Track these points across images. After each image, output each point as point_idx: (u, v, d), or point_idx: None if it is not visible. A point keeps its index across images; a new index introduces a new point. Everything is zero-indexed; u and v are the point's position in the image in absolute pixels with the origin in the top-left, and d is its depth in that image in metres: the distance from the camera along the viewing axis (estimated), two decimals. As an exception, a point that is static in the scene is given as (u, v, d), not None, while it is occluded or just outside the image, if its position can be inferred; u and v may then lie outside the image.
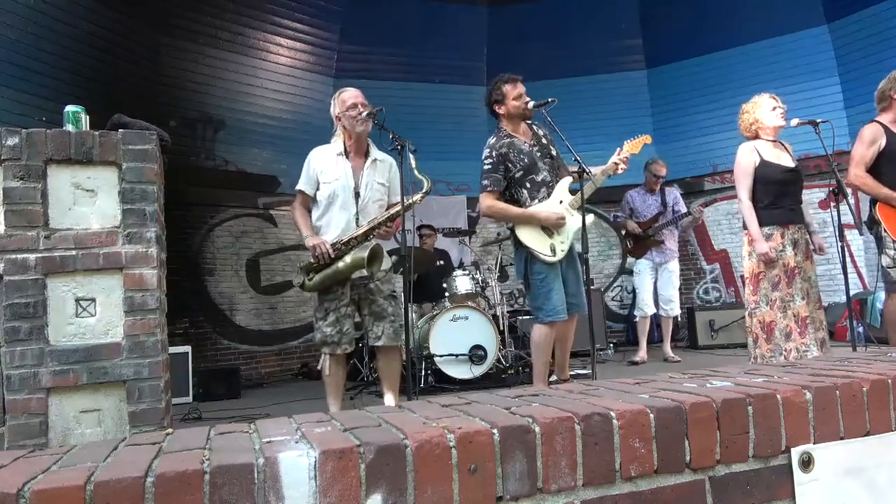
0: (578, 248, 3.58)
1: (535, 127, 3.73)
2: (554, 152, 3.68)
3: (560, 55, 8.18)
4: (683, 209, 5.93)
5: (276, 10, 7.29)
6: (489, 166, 3.52)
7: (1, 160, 2.24)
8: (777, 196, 3.59)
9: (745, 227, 3.69)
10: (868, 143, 3.62)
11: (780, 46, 7.64)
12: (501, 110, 3.61)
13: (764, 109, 3.68)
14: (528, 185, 3.54)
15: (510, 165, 3.52)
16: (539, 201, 3.53)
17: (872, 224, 3.61)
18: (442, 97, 8.26)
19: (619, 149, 3.64)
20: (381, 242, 3.32)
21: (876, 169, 3.62)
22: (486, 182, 3.53)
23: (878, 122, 3.67)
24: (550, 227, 3.47)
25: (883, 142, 3.59)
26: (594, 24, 8.17)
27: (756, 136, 3.73)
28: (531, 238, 3.48)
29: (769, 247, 3.52)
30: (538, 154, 3.58)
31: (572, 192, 3.57)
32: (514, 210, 3.53)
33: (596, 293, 6.64)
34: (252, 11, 7.11)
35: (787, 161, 3.67)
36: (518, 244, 3.55)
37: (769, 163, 3.61)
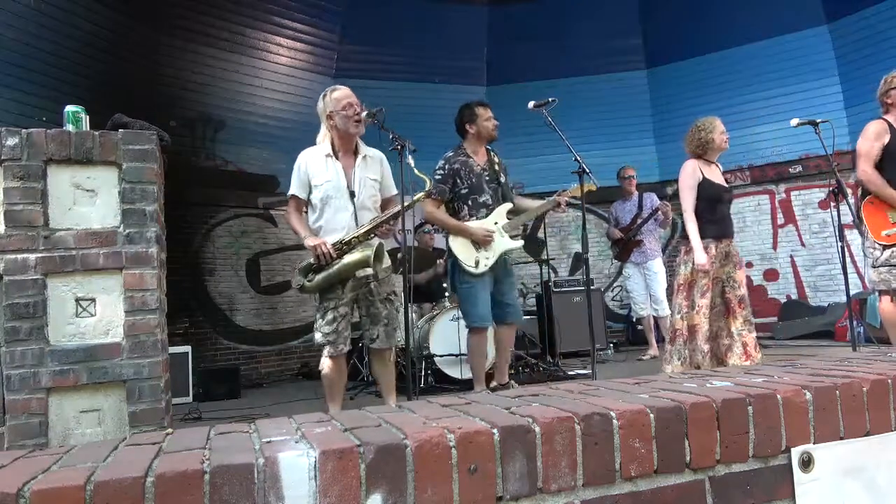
0: (577, 248, 3.65)
1: (492, 153, 4.06)
2: (503, 179, 4.01)
3: (560, 55, 8.18)
4: (657, 204, 6.16)
5: (276, 10, 7.29)
6: (439, 177, 3.88)
7: (1, 160, 2.24)
8: (714, 211, 3.87)
9: (682, 234, 3.98)
10: (873, 137, 3.60)
11: (780, 46, 7.65)
12: (472, 129, 3.94)
13: (716, 132, 3.92)
14: (469, 202, 3.90)
15: (458, 181, 3.89)
16: (476, 218, 3.89)
17: (861, 223, 3.61)
18: (442, 97, 8.25)
19: (562, 189, 3.98)
20: (382, 242, 3.34)
21: (878, 166, 3.59)
22: (432, 190, 3.83)
23: (884, 119, 3.65)
24: (479, 242, 3.82)
25: (887, 139, 3.57)
26: (594, 24, 8.17)
27: (701, 153, 3.96)
28: (459, 249, 3.84)
29: (709, 261, 3.77)
30: (486, 178, 3.94)
31: (509, 217, 3.92)
32: (449, 220, 3.91)
33: (596, 293, 6.65)
34: (252, 11, 7.11)
35: (722, 181, 3.98)
36: (450, 252, 3.90)
37: (710, 181, 3.90)
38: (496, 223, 3.88)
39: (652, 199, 6.26)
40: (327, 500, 0.88)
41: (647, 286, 6.15)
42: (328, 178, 3.28)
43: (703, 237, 3.84)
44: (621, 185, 6.31)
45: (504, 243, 3.88)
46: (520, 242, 3.97)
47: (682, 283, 3.89)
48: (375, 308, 3.35)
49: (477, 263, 3.81)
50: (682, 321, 3.86)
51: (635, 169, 6.39)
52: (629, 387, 1.33)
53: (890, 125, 3.60)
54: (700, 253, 3.77)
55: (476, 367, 3.99)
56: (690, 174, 3.92)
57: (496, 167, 4.01)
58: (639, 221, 6.15)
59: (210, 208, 7.16)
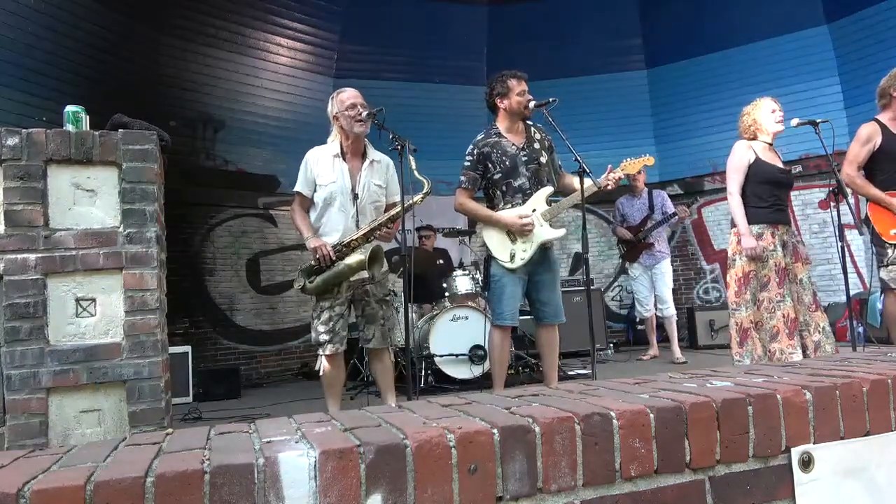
0: (577, 248, 3.58)
1: (534, 129, 3.67)
2: (544, 159, 3.60)
3: (560, 55, 8.18)
4: (672, 209, 6.03)
5: (276, 10, 7.29)
6: (468, 164, 3.54)
7: (1, 160, 2.23)
8: (769, 195, 3.60)
9: (732, 225, 3.67)
10: (863, 141, 3.64)
11: (780, 46, 7.65)
12: (503, 104, 3.55)
13: (763, 112, 3.69)
14: (504, 188, 3.52)
15: (490, 166, 3.52)
16: (512, 206, 3.50)
17: (869, 223, 3.63)
18: (442, 97, 8.26)
19: (609, 166, 3.55)
20: (381, 244, 3.33)
21: (870, 167, 3.65)
22: (462, 178, 3.56)
23: (876, 119, 3.68)
24: (515, 233, 3.45)
25: (879, 140, 3.61)
26: (594, 24, 8.17)
27: (754, 138, 3.73)
28: (493, 241, 3.51)
29: (759, 245, 3.52)
30: (523, 159, 3.52)
31: (549, 202, 3.52)
32: (482, 211, 3.57)
33: (596, 293, 6.66)
34: (252, 11, 7.11)
35: (779, 163, 3.71)
36: (483, 244, 3.60)
37: (765, 162, 3.62)
38: (534, 210, 3.46)
39: (662, 198, 6.13)
40: (327, 500, 0.88)
41: (651, 287, 6.09)
42: (333, 178, 3.30)
43: (756, 222, 3.55)
44: (628, 180, 6.04)
45: (543, 233, 3.44)
46: (561, 231, 3.52)
47: (737, 277, 3.57)
48: (371, 308, 3.36)
49: (512, 257, 3.43)
50: (741, 318, 3.55)
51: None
52: (629, 387, 1.33)
53: (882, 126, 3.63)
54: (747, 237, 3.50)
55: (495, 366, 3.64)
56: (739, 155, 3.65)
57: (536, 145, 3.58)
58: (650, 224, 6.01)
59: (210, 208, 7.16)
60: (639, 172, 5.97)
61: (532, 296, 3.59)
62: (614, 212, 6.42)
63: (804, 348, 3.50)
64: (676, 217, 5.96)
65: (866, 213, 3.64)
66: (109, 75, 5.92)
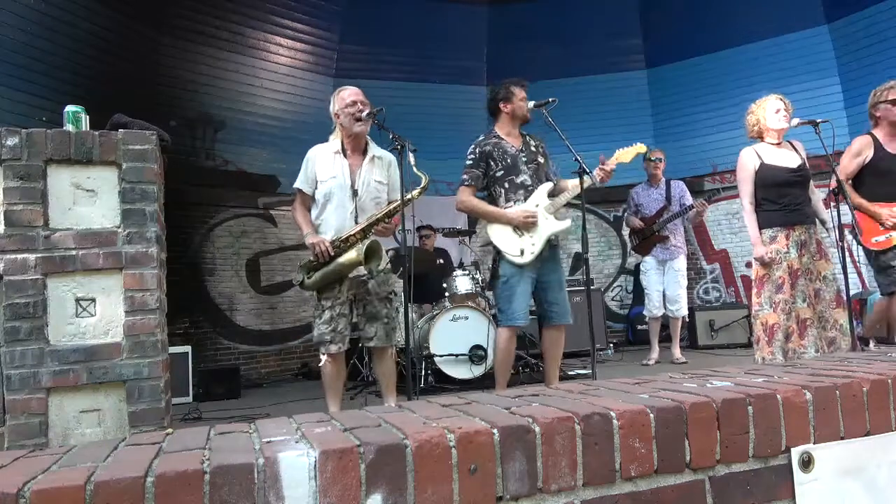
0: (577, 248, 3.58)
1: (527, 137, 3.75)
2: (541, 160, 3.68)
3: (560, 55, 8.18)
4: (690, 202, 5.76)
5: (276, 10, 7.30)
6: (470, 162, 3.60)
7: (1, 160, 2.24)
8: (780, 197, 3.58)
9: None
10: (853, 154, 3.74)
11: (780, 46, 7.65)
12: (507, 108, 3.64)
13: (768, 111, 3.67)
14: (506, 185, 3.57)
15: (492, 163, 3.58)
16: (515, 203, 3.55)
17: (858, 229, 3.64)
18: (442, 97, 8.26)
19: (601, 156, 3.58)
20: (380, 241, 3.32)
21: (859, 180, 3.75)
22: (465, 177, 3.60)
23: (871, 134, 3.76)
24: (520, 227, 3.48)
25: (869, 154, 3.69)
26: (594, 24, 8.17)
27: (760, 137, 3.73)
28: (501, 237, 3.52)
29: (771, 249, 3.54)
30: (523, 158, 3.61)
31: (551, 197, 3.55)
32: (485, 207, 3.60)
33: (596, 293, 6.64)
34: (252, 11, 7.12)
35: (792, 162, 3.64)
36: (488, 242, 3.60)
37: (770, 165, 3.61)
38: (537, 205, 3.51)
39: (681, 190, 5.85)
40: (327, 500, 0.88)
41: (662, 284, 5.77)
42: (333, 174, 3.31)
43: (769, 226, 3.58)
44: (647, 169, 5.90)
45: (549, 225, 3.47)
46: (567, 223, 3.53)
47: (755, 279, 3.61)
48: (373, 307, 3.35)
49: (522, 252, 3.44)
50: (755, 321, 3.58)
51: (664, 152, 6.04)
52: (629, 387, 1.33)
53: (875, 140, 3.69)
54: (758, 246, 3.56)
55: (499, 366, 3.69)
56: (744, 163, 3.68)
57: (532, 148, 3.68)
58: (666, 215, 5.72)
59: (210, 208, 7.16)
60: (660, 160, 5.86)
61: (540, 296, 3.61)
62: (628, 201, 6.13)
63: (830, 342, 3.49)
64: (694, 210, 5.68)
65: (854, 220, 3.66)
66: (109, 75, 5.91)
